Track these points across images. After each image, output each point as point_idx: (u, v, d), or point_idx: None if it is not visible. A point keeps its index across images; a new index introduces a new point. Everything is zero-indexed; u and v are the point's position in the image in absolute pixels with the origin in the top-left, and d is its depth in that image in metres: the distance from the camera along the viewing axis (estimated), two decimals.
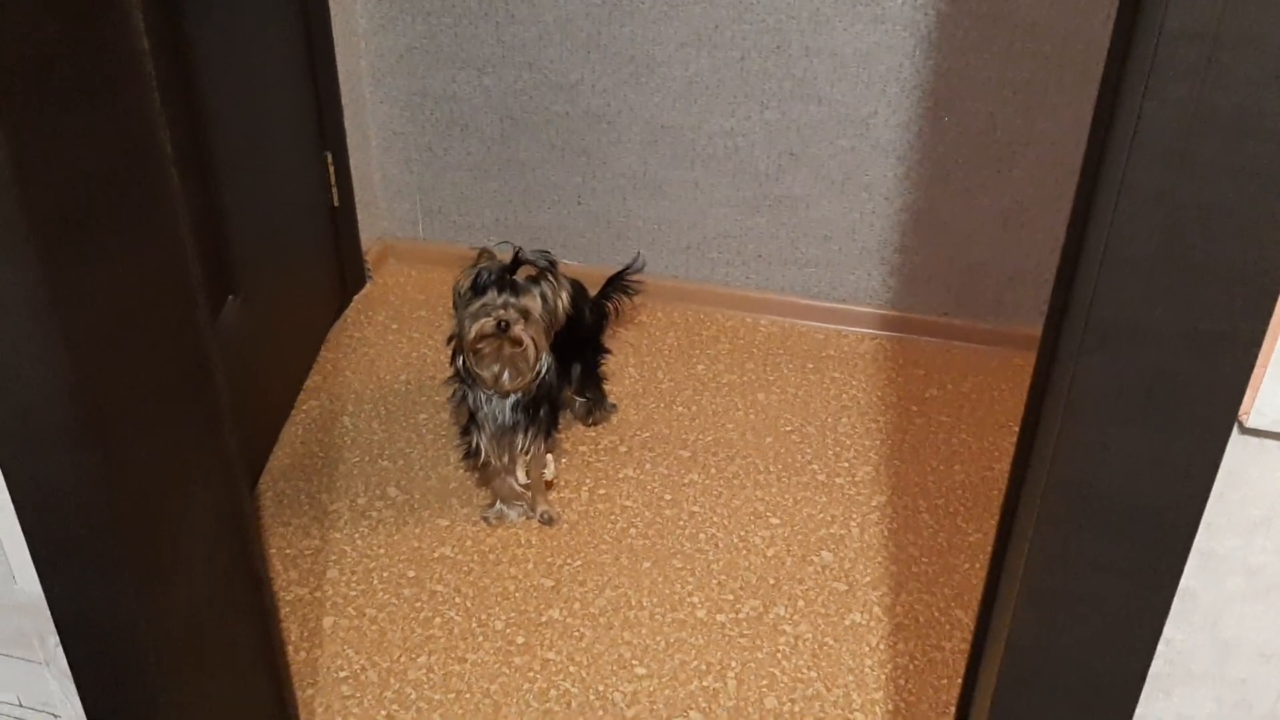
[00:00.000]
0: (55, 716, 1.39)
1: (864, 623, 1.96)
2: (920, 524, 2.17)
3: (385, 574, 2.02)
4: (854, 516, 2.18)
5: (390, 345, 2.63)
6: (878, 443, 2.39)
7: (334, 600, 1.97)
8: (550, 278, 1.89)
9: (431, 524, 2.14)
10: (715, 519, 2.17)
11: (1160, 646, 0.95)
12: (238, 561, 1.41)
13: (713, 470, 2.29)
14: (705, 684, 1.83)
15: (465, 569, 2.03)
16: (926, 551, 2.11)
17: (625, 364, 2.59)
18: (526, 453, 2.04)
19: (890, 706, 1.81)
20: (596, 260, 2.78)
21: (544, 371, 1.95)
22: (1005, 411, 2.49)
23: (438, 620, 1.93)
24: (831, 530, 2.15)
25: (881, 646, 1.91)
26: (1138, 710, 1.00)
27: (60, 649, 1.31)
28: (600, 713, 1.78)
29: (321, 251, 2.61)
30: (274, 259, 2.31)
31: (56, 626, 1.28)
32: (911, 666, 1.88)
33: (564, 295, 1.91)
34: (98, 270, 1.09)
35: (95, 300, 1.09)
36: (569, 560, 2.06)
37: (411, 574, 2.02)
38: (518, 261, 1.87)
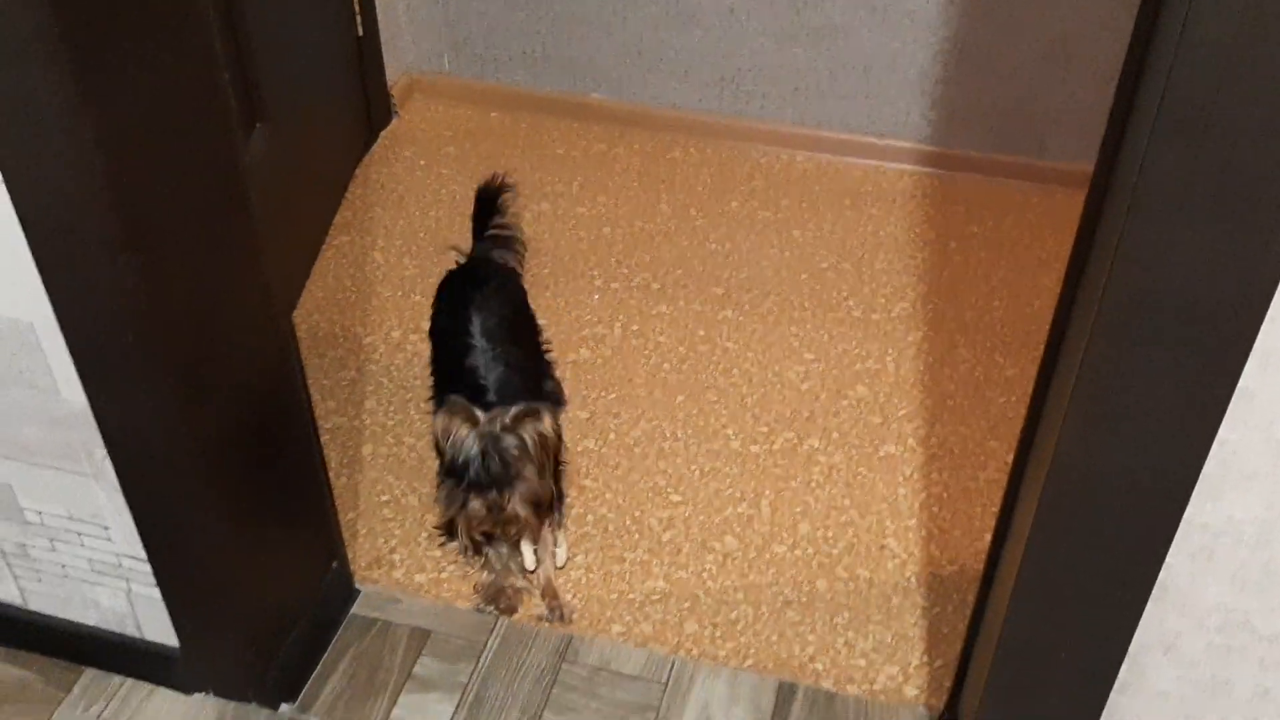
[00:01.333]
0: (105, 528, 1.42)
1: (898, 454, 1.96)
2: (957, 359, 2.16)
3: (422, 404, 2.03)
4: (890, 352, 2.17)
5: (418, 182, 2.60)
6: (915, 279, 2.35)
7: (372, 429, 1.99)
8: (531, 424, 1.58)
9: None
10: (749, 354, 2.16)
11: (1214, 448, 0.94)
12: (277, 379, 1.41)
13: (747, 307, 2.27)
14: (740, 511, 1.85)
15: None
16: (962, 386, 2.10)
17: (657, 201, 2.55)
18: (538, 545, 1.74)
19: (923, 533, 1.82)
20: (629, 94, 2.71)
21: (553, 509, 1.70)
22: (1046, 249, 2.44)
23: None
24: (867, 365, 2.14)
25: (915, 477, 1.92)
26: (1185, 514, 0.99)
27: (108, 461, 1.33)
28: (637, 537, 1.80)
29: (347, 84, 2.55)
30: (300, 88, 2.26)
31: (103, 437, 1.29)
32: (945, 496, 1.89)
33: (548, 423, 1.60)
34: (128, 76, 1.06)
35: (126, 105, 1.07)
36: (603, 394, 2.06)
37: None
38: (491, 449, 1.56)
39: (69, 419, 1.31)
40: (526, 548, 1.71)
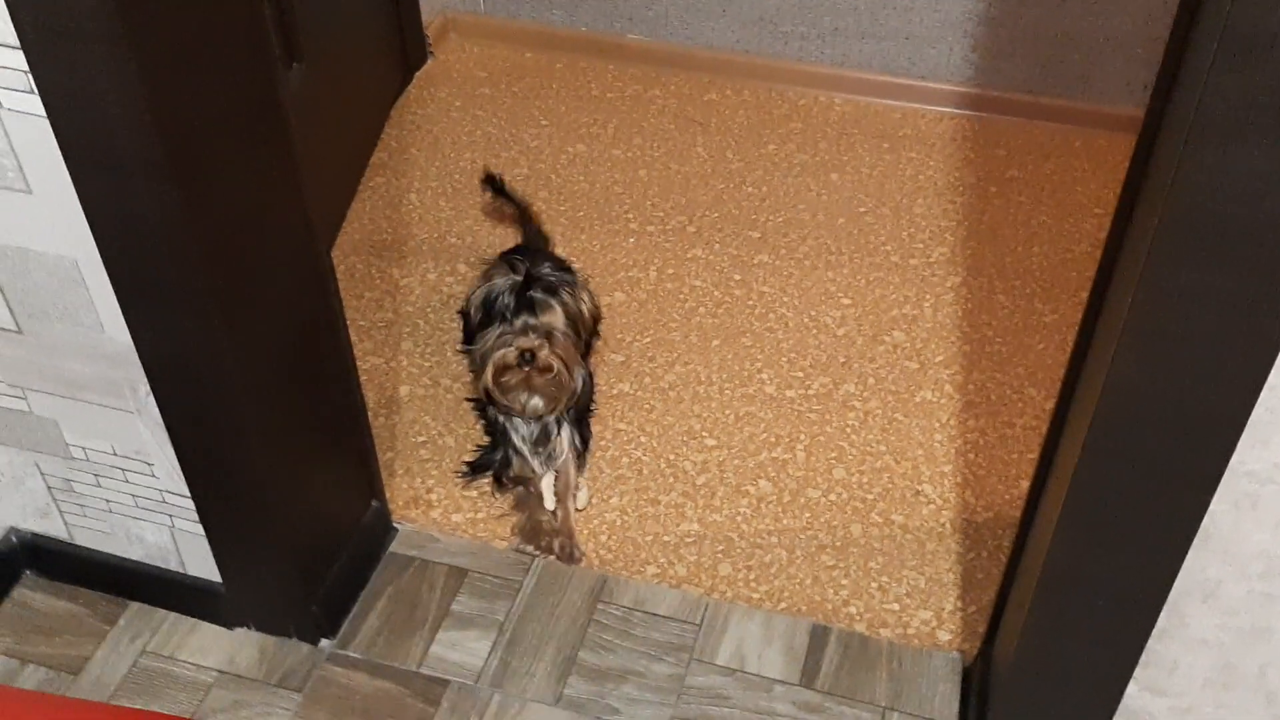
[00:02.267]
0: (149, 464, 1.44)
1: (934, 400, 1.95)
2: (995, 305, 2.14)
3: (457, 347, 2.03)
4: (927, 297, 2.15)
5: (454, 123, 2.58)
6: (954, 224, 2.32)
7: (409, 370, 2.00)
8: (569, 284, 1.70)
9: None
10: (785, 299, 2.15)
11: (1263, 394, 0.93)
12: (318, 312, 1.42)
13: (783, 251, 2.26)
14: (774, 455, 1.85)
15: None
16: (1001, 332, 2.08)
17: (692, 143, 2.52)
18: (563, 459, 1.76)
19: (959, 479, 1.82)
20: (666, 35, 2.67)
21: (579, 389, 1.73)
22: (1088, 194, 2.40)
23: None
24: (904, 310, 2.12)
25: (952, 423, 1.91)
26: (1231, 460, 0.98)
27: (151, 398, 1.35)
28: (671, 479, 1.81)
29: (383, 24, 2.53)
30: (336, 28, 2.24)
31: (146, 373, 1.30)
32: (982, 442, 1.88)
33: (586, 299, 1.71)
34: (170, 6, 1.05)
35: (168, 36, 1.06)
36: (638, 337, 2.06)
37: None
38: (531, 279, 1.66)
39: (113, 355, 1.32)
40: (547, 486, 1.73)
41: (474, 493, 1.79)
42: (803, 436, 1.88)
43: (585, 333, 1.72)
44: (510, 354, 1.62)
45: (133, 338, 1.28)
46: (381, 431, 1.88)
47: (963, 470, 1.83)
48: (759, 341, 2.06)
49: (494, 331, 1.65)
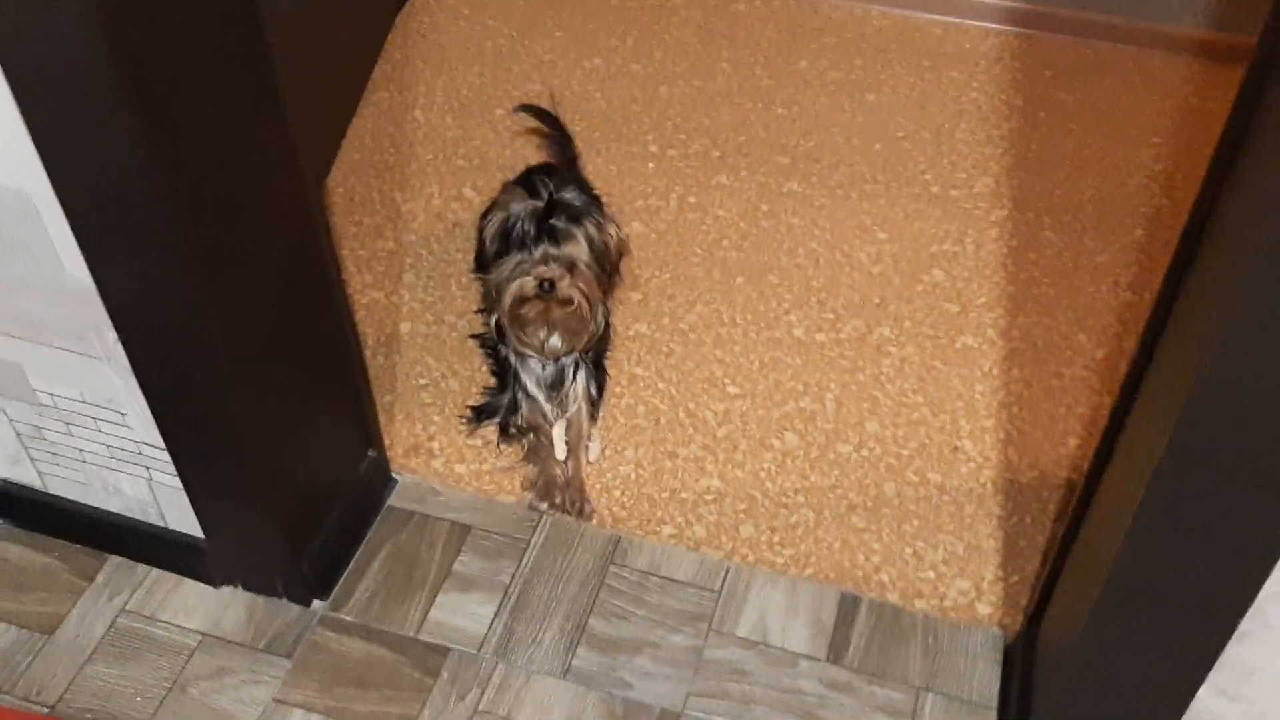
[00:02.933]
0: (122, 414, 1.32)
1: (976, 346, 1.81)
2: (1043, 242, 1.98)
3: (464, 280, 1.89)
4: (969, 233, 1.99)
5: (461, 34, 2.40)
6: (999, 152, 2.15)
7: (411, 306, 1.86)
8: (595, 214, 1.54)
9: None
10: (816, 232, 1.99)
11: None
12: (306, 251, 1.28)
13: (814, 179, 2.09)
14: (802, 405, 1.72)
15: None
16: (1048, 272, 1.93)
17: (717, 59, 2.34)
18: (576, 406, 1.63)
19: (1001, 435, 1.68)
20: None
21: (600, 328, 1.59)
22: (1143, 120, 2.22)
23: None
24: (944, 247, 1.97)
25: (994, 372, 1.77)
26: None
27: (120, 346, 1.22)
28: (690, 430, 1.68)
29: None
30: None
31: (110, 316, 1.17)
32: (1026, 394, 1.74)
33: (613, 230, 1.55)
34: None
35: None
36: (656, 273, 1.91)
37: None
38: (553, 204, 1.51)
39: (75, 295, 1.18)
40: (558, 435, 1.60)
41: (479, 442, 1.66)
42: (833, 385, 1.75)
43: (609, 268, 1.57)
44: (529, 283, 1.49)
45: (94, 278, 1.14)
46: (380, 373, 1.75)
47: (1005, 425, 1.70)
48: (787, 279, 1.91)
49: (511, 260, 1.51)
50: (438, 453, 1.65)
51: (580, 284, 1.50)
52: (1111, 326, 1.85)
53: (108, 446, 1.38)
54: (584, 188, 1.68)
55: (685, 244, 1.96)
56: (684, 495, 1.60)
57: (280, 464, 1.38)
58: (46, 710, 1.36)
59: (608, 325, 1.66)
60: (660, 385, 1.74)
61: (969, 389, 1.74)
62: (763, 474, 1.63)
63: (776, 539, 1.55)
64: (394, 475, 1.61)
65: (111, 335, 1.21)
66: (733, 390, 1.74)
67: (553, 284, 1.48)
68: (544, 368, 1.62)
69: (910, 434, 1.68)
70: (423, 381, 1.75)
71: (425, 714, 1.37)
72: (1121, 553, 1.03)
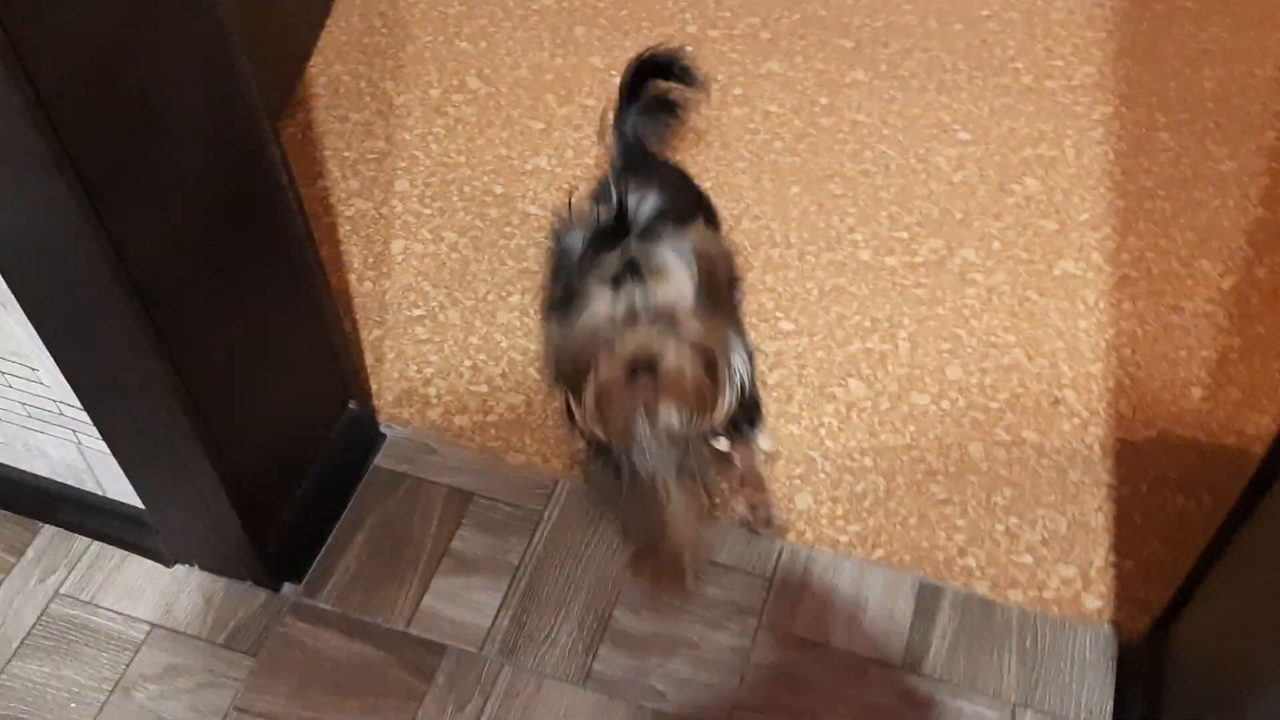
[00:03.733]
0: (34, 369, 1.07)
1: (1079, 273, 1.51)
2: (1156, 146, 1.66)
3: (467, 188, 1.61)
4: (1069, 133, 1.67)
5: None
6: (1103, 36, 1.82)
7: (404, 219, 1.58)
8: (690, 221, 1.01)
9: (522, 126, 1.69)
10: (886, 132, 1.68)
11: None
12: (244, 148, 0.99)
13: (883, 67, 1.77)
14: (870, 346, 1.44)
15: (566, 185, 1.61)
16: (1164, 182, 1.61)
17: None
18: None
19: (1111, 383, 1.40)
20: None
21: (740, 390, 1.04)
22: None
23: (533, 251, 1.53)
24: (1039, 151, 1.65)
25: (1101, 305, 1.48)
26: None
27: (7, 288, 0.95)
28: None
29: None
30: None
31: None
32: (1140, 333, 1.45)
33: (715, 240, 1.04)
34: None
35: None
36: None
37: (499, 189, 1.61)
38: (624, 221, 0.98)
39: None
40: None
41: (485, 387, 1.40)
42: (907, 321, 1.46)
43: (726, 282, 1.06)
44: (613, 367, 0.96)
45: None
46: (368, 302, 1.47)
47: (1116, 371, 1.41)
48: (851, 189, 1.61)
49: (582, 315, 0.97)
50: (434, 400, 1.38)
51: (692, 349, 0.97)
52: (1240, 249, 1.54)
53: (24, 405, 1.12)
54: (669, 177, 1.28)
55: (730, 146, 1.66)
56: None
57: (227, 423, 1.11)
58: None
59: (753, 362, 1.12)
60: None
61: (1071, 325, 1.45)
62: (822, 431, 1.36)
63: (839, 512, 1.29)
64: (381, 430, 1.35)
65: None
66: (786, 326, 1.46)
67: (651, 361, 0.97)
68: (664, 452, 1.08)
69: (1001, 381, 1.40)
70: (417, 312, 1.47)
71: None
72: None
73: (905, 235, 1.55)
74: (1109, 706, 1.15)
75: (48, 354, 1.01)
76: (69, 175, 0.81)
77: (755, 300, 1.48)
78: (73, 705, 1.15)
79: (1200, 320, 1.46)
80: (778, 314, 1.47)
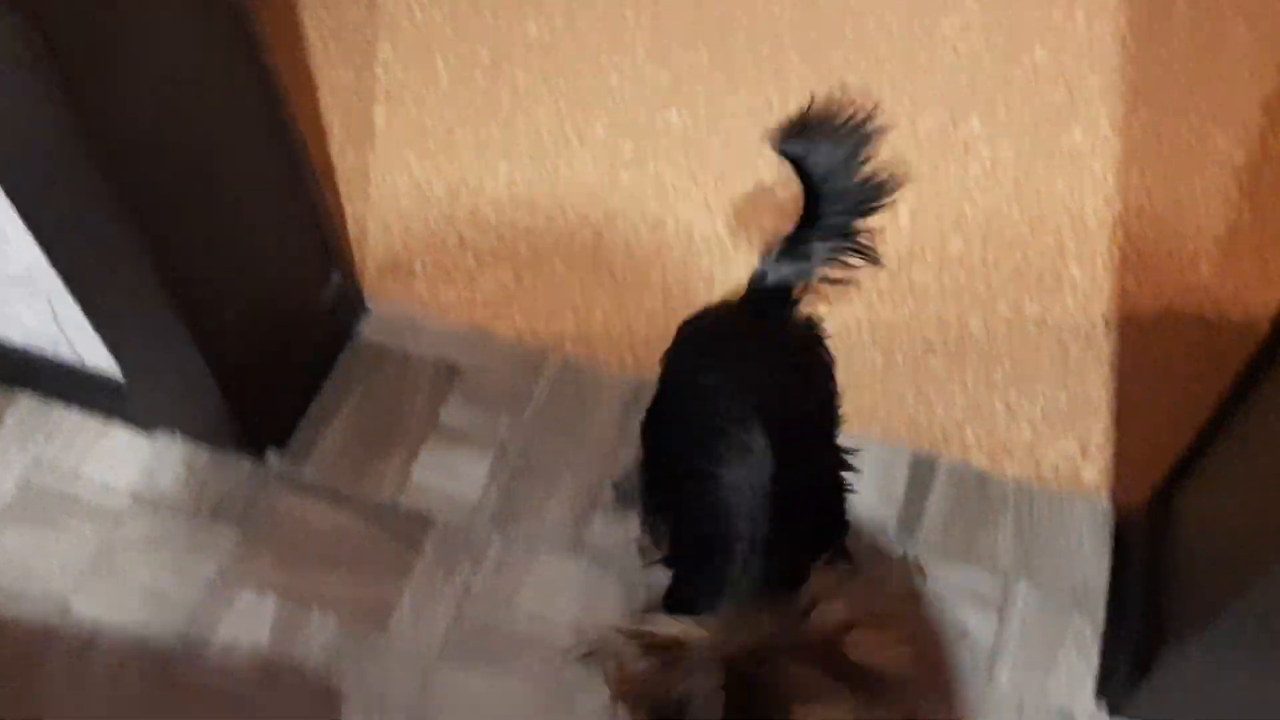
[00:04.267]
0: (5, 235, 1.01)
1: (1086, 145, 1.46)
2: (1171, 13, 1.59)
3: (452, 56, 1.54)
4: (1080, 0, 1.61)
5: None
6: None
7: (387, 88, 1.52)
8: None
9: None
10: None
11: None
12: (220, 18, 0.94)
13: None
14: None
15: (557, 56, 1.55)
16: (1178, 53, 1.55)
17: None
18: None
19: (1117, 257, 1.36)
20: None
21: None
22: None
23: (521, 120, 1.48)
24: (1048, 17, 1.59)
25: (1109, 178, 1.43)
26: None
27: None
28: (735, 248, 1.37)
29: None
30: None
31: None
32: (1148, 206, 1.41)
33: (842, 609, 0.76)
34: None
35: None
36: (689, 53, 1.55)
37: (486, 58, 1.55)
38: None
39: None
40: None
41: (472, 261, 1.36)
42: (907, 194, 1.40)
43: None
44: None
45: None
46: (350, 174, 1.43)
47: (1122, 245, 1.37)
48: (852, 56, 1.55)
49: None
50: (419, 273, 1.34)
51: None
52: (1255, 121, 1.49)
53: None
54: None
55: (725, 9, 1.59)
56: None
57: (205, 289, 1.07)
58: None
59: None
60: (695, 191, 1.41)
61: (1077, 199, 1.41)
62: (821, 307, 1.32)
63: None
64: (367, 304, 1.31)
65: None
66: (784, 197, 1.41)
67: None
68: None
69: (1004, 256, 1.36)
70: (402, 185, 1.42)
71: (405, 599, 1.12)
72: None
73: (908, 105, 1.50)
74: (1104, 577, 1.14)
75: (19, 218, 0.97)
76: (36, 39, 0.76)
77: (752, 173, 1.43)
78: (56, 575, 1.13)
79: (1211, 194, 1.42)
80: (775, 186, 1.42)
